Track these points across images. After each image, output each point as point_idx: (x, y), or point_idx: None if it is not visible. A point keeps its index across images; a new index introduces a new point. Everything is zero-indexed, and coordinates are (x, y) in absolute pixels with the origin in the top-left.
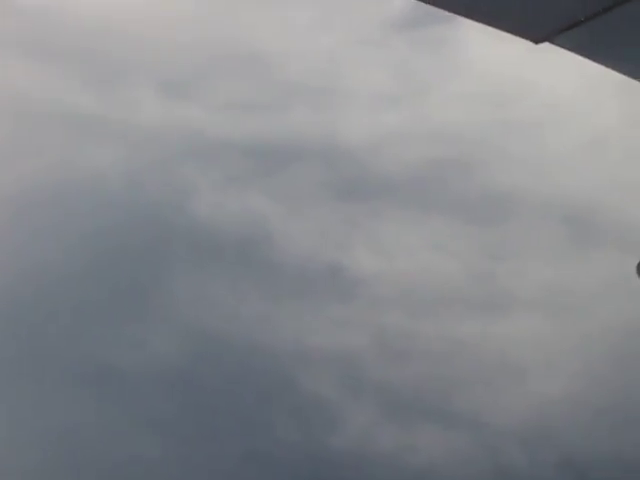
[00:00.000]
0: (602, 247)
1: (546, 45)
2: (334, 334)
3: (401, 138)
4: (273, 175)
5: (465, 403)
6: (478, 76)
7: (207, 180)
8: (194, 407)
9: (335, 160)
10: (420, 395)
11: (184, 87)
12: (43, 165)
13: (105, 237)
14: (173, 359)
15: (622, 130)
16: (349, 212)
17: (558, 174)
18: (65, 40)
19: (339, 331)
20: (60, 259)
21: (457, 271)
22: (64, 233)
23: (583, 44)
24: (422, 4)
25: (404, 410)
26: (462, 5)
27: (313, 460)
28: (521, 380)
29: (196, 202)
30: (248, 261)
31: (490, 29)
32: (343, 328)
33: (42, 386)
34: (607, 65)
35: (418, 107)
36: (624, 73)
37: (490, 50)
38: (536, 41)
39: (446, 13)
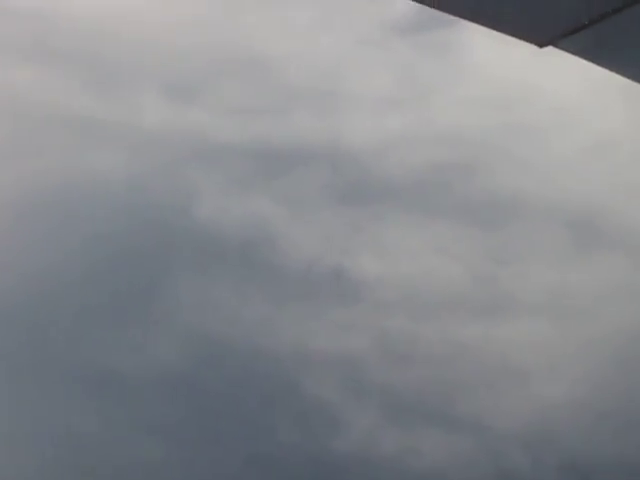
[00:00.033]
0: (606, 251)
1: (550, 49)
2: (337, 337)
3: (405, 142)
4: (276, 179)
5: (468, 406)
6: (482, 80)
7: (210, 184)
8: (197, 411)
9: (339, 164)
10: (423, 398)
11: (187, 91)
12: (46, 168)
13: (108, 240)
14: (176, 363)
15: (626, 134)
16: (352, 216)
17: (562, 178)
18: (69, 43)
19: (342, 334)
20: (62, 263)
21: (460, 275)
22: (66, 236)
23: (587, 48)
24: (426, 8)
25: (407, 413)
26: (466, 9)
27: (316, 463)
28: (524, 383)
29: (199, 206)
30: (251, 265)
31: (494, 33)
32: (346, 331)
33: (45, 390)
34: (611, 69)
35: (422, 111)
36: (628, 77)
37: (494, 54)
38: (540, 45)
39: (450, 17)
